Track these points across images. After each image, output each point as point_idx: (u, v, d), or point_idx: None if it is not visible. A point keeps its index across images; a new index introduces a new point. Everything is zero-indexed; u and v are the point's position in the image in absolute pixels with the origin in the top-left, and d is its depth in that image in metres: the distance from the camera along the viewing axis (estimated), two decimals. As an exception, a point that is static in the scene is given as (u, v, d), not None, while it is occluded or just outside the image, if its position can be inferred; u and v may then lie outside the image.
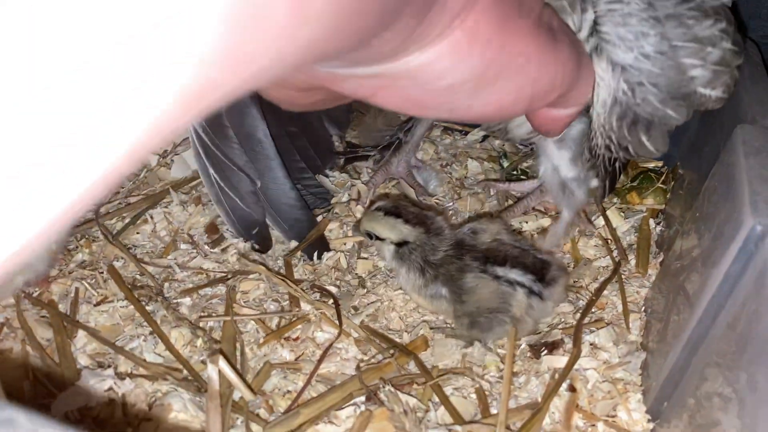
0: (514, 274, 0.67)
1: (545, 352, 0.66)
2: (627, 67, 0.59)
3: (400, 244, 0.70)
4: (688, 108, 0.62)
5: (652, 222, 0.82)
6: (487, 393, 0.62)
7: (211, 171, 0.76)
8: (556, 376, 0.62)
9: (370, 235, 0.72)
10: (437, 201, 0.87)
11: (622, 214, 0.84)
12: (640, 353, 0.65)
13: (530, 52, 0.36)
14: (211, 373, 0.55)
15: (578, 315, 0.71)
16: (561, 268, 0.71)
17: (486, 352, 0.66)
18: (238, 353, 0.64)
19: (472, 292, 0.67)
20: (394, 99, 0.35)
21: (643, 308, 0.71)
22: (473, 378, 0.63)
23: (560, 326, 0.70)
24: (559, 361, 0.64)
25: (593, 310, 0.71)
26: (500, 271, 0.67)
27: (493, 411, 0.60)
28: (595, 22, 0.59)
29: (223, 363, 0.56)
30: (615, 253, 0.78)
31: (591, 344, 0.67)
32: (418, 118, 0.86)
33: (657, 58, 0.58)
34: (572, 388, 0.60)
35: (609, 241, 0.80)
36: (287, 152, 0.82)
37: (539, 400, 0.61)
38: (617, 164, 0.71)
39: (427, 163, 0.92)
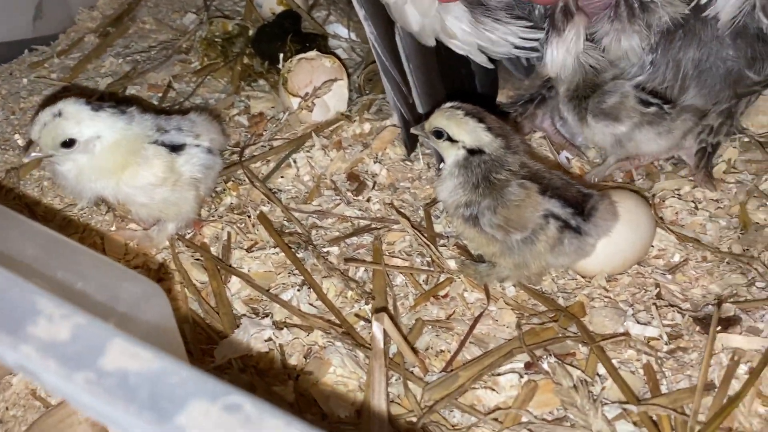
0: (551, 205, 0.60)
1: (719, 328, 0.60)
2: None
3: (473, 152, 0.63)
4: None
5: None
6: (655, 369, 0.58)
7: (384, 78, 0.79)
8: (736, 357, 0.57)
9: (439, 134, 0.63)
10: (585, 157, 0.82)
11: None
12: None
13: None
14: (376, 331, 0.54)
15: (752, 288, 0.65)
16: (602, 196, 0.62)
17: (647, 327, 0.62)
18: (390, 307, 0.63)
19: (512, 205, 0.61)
20: None
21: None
22: (640, 350, 0.59)
23: (731, 299, 0.64)
24: (737, 340, 0.59)
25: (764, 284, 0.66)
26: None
27: (663, 389, 0.57)
28: None
29: (388, 322, 0.55)
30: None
31: (772, 323, 0.61)
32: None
33: None
34: (754, 372, 0.56)
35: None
36: None
37: (715, 381, 0.56)
38: None
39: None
